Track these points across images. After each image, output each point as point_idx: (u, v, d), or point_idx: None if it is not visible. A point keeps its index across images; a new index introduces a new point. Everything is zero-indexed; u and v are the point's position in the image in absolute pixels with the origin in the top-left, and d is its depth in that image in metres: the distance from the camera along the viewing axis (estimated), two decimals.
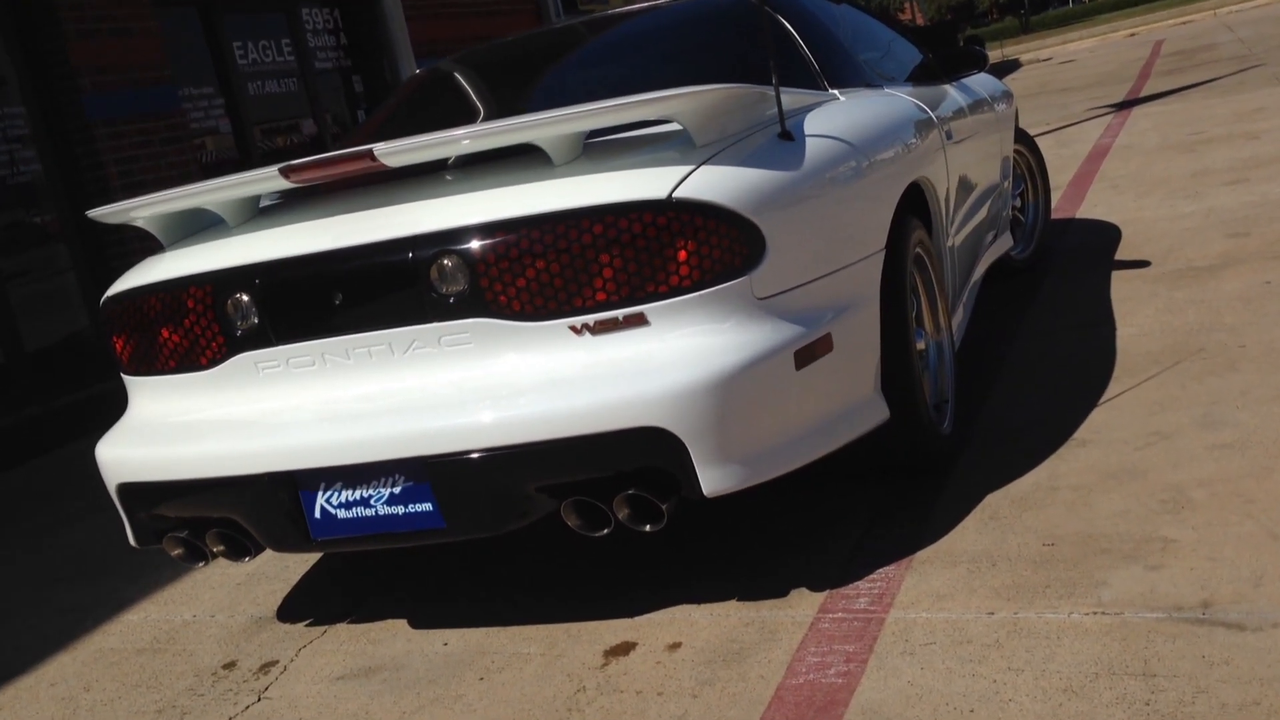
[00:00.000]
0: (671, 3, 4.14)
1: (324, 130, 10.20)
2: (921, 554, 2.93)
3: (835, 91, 3.57)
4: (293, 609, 3.41)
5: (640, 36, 4.04)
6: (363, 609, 3.30)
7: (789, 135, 2.96)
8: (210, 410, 3.00)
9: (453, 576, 3.38)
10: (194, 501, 2.94)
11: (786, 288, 2.77)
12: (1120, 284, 5.10)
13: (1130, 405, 3.63)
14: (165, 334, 3.00)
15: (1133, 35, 26.93)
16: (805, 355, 2.77)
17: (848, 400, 2.95)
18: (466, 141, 2.76)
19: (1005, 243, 5.26)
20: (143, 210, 3.07)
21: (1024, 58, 26.28)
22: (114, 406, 7.20)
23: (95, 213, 3.13)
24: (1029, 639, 2.44)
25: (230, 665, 3.14)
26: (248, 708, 2.87)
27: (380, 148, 2.74)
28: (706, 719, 2.41)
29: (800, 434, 2.79)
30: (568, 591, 3.13)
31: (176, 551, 3.07)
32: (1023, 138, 5.78)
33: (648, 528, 2.69)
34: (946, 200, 3.84)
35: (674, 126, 2.95)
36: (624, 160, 2.79)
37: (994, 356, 4.40)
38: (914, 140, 3.54)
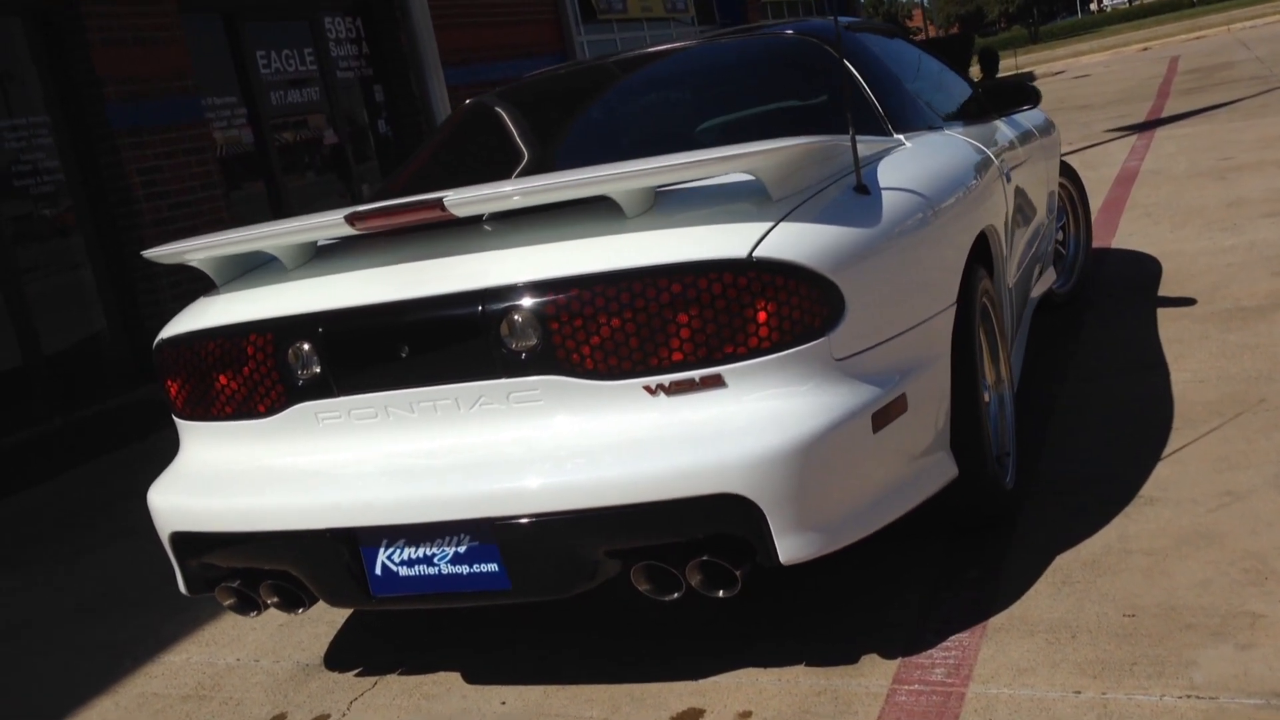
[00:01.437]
0: (723, 38, 4.06)
1: (344, 140, 10.13)
2: (995, 620, 2.85)
3: (901, 136, 3.49)
4: (341, 656, 3.34)
5: (694, 74, 3.96)
6: (414, 659, 3.22)
7: (864, 189, 2.89)
8: (268, 459, 2.92)
9: (508, 627, 3.30)
10: (250, 553, 2.87)
11: (864, 347, 2.70)
12: (1167, 322, 5.02)
13: (1195, 460, 3.55)
14: (223, 380, 2.93)
15: (1146, 49, 26.88)
16: (882, 417, 2.70)
17: (920, 460, 2.88)
18: (541, 194, 2.68)
19: (1050, 277, 5.18)
20: (199, 253, 3.00)
21: (1038, 70, 26.22)
22: (136, 420, 7.13)
23: (151, 253, 3.06)
24: None
25: (280, 718, 3.06)
26: None
27: (451, 198, 2.67)
28: None
29: (876, 497, 2.72)
30: (627, 647, 3.05)
31: (229, 601, 2.99)
32: (1065, 169, 5.71)
33: (720, 593, 2.62)
34: (1007, 243, 3.77)
35: (746, 176, 2.87)
36: (699, 214, 2.72)
37: (1045, 401, 4.33)
38: (981, 187, 3.46)
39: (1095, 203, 8.20)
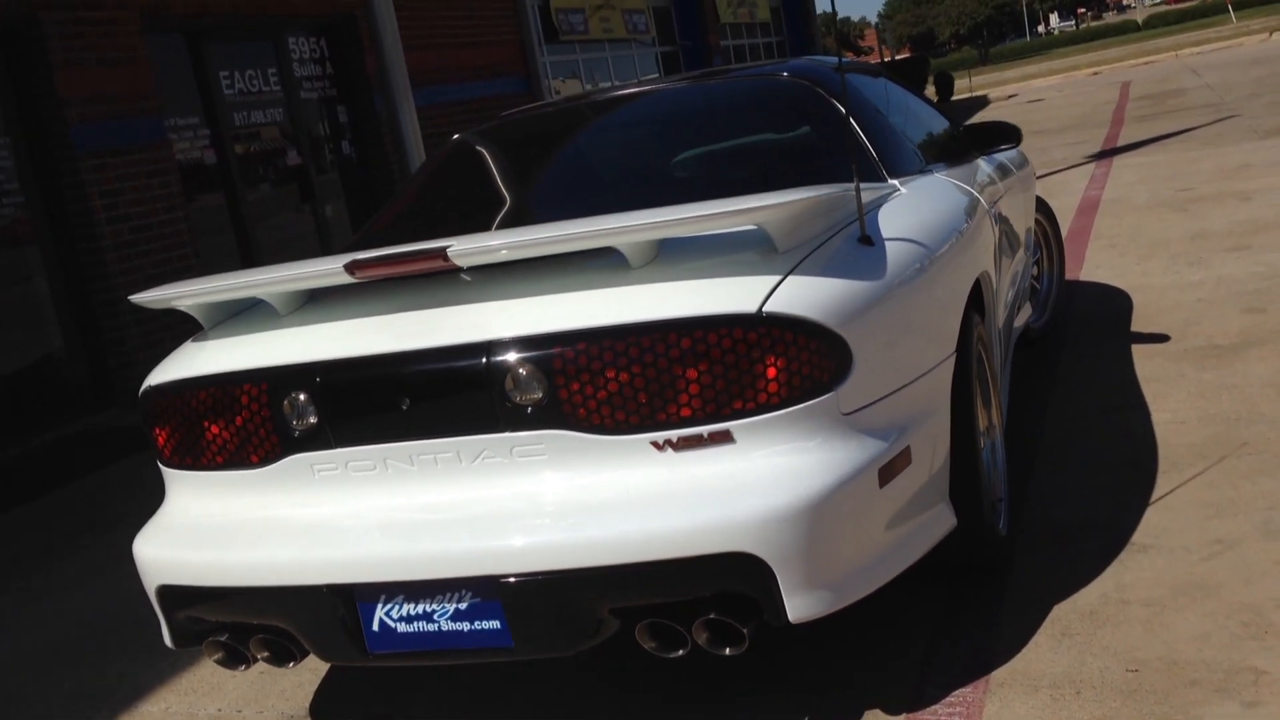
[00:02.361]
0: (717, 78, 4.05)
1: (308, 161, 10.03)
2: (997, 674, 2.84)
3: (895, 182, 3.49)
4: (327, 707, 3.27)
5: (685, 116, 3.94)
6: (404, 711, 3.16)
7: (869, 240, 2.88)
8: (261, 511, 2.86)
9: (503, 677, 3.25)
10: (241, 607, 2.80)
11: (870, 401, 2.68)
12: (1142, 360, 5.06)
13: (1184, 505, 3.57)
14: (214, 430, 2.86)
15: (1096, 74, 27.24)
16: (888, 471, 2.69)
17: (922, 512, 2.87)
18: (548, 245, 2.64)
19: (1027, 311, 5.22)
20: (188, 299, 2.93)
21: (991, 93, 26.50)
22: (97, 448, 6.99)
23: (140, 298, 2.99)
24: None
25: None
26: None
27: (455, 249, 2.63)
28: None
29: (882, 552, 2.70)
30: (625, 702, 3.01)
31: (216, 655, 2.92)
32: (1040, 206, 5.75)
33: (727, 651, 2.59)
34: (997, 283, 3.78)
35: (750, 225, 2.85)
36: (705, 266, 2.69)
37: (1029, 444, 4.34)
38: (974, 232, 3.47)
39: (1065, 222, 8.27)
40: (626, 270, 2.72)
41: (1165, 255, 6.98)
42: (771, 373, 2.54)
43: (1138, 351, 5.21)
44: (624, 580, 2.50)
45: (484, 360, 2.61)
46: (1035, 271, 5.78)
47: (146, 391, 3.00)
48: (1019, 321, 4.97)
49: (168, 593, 2.89)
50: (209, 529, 2.89)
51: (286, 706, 3.32)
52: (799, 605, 2.51)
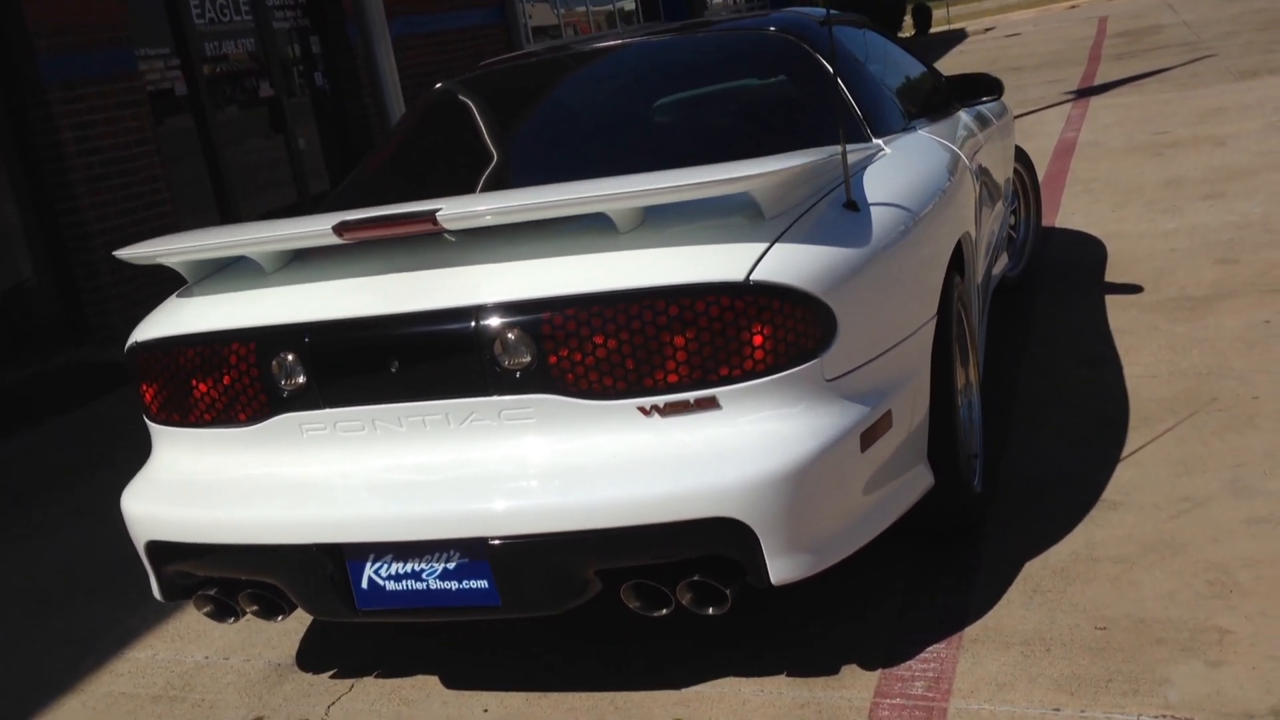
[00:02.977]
0: (701, 31, 4.03)
1: (280, 93, 9.92)
2: (970, 630, 2.92)
3: (880, 142, 3.51)
4: (314, 656, 3.33)
5: (669, 69, 3.92)
6: (390, 661, 3.22)
7: (854, 205, 2.90)
8: (249, 469, 2.89)
9: (488, 629, 3.31)
10: (230, 563, 2.84)
11: (853, 366, 2.73)
12: (1116, 311, 5.12)
13: (1154, 461, 3.65)
14: (202, 388, 2.88)
15: (1073, 8, 27.09)
16: (870, 436, 2.74)
17: (902, 473, 2.92)
18: (537, 210, 2.65)
19: (1003, 261, 5.26)
20: (174, 256, 2.93)
21: (969, 26, 26.35)
22: (77, 384, 6.97)
23: (124, 253, 2.99)
24: None
25: None
26: None
27: (444, 213, 2.64)
28: None
29: (863, 514, 2.76)
30: (611, 653, 3.08)
31: (205, 609, 2.97)
32: (1019, 155, 5.77)
33: (710, 610, 2.65)
34: (977, 241, 3.82)
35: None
36: (693, 232, 2.71)
37: (1006, 397, 4.40)
38: (956, 192, 3.49)
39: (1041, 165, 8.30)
40: (614, 234, 2.74)
41: (1140, 202, 7.03)
42: (758, 340, 2.57)
43: (1111, 302, 5.27)
44: (609, 543, 2.55)
45: (473, 324, 2.64)
46: (1013, 220, 5.82)
47: (133, 347, 3.01)
48: (996, 270, 5.02)
49: (156, 548, 2.93)
50: (198, 485, 2.92)
51: (273, 655, 3.38)
52: (781, 568, 2.57)
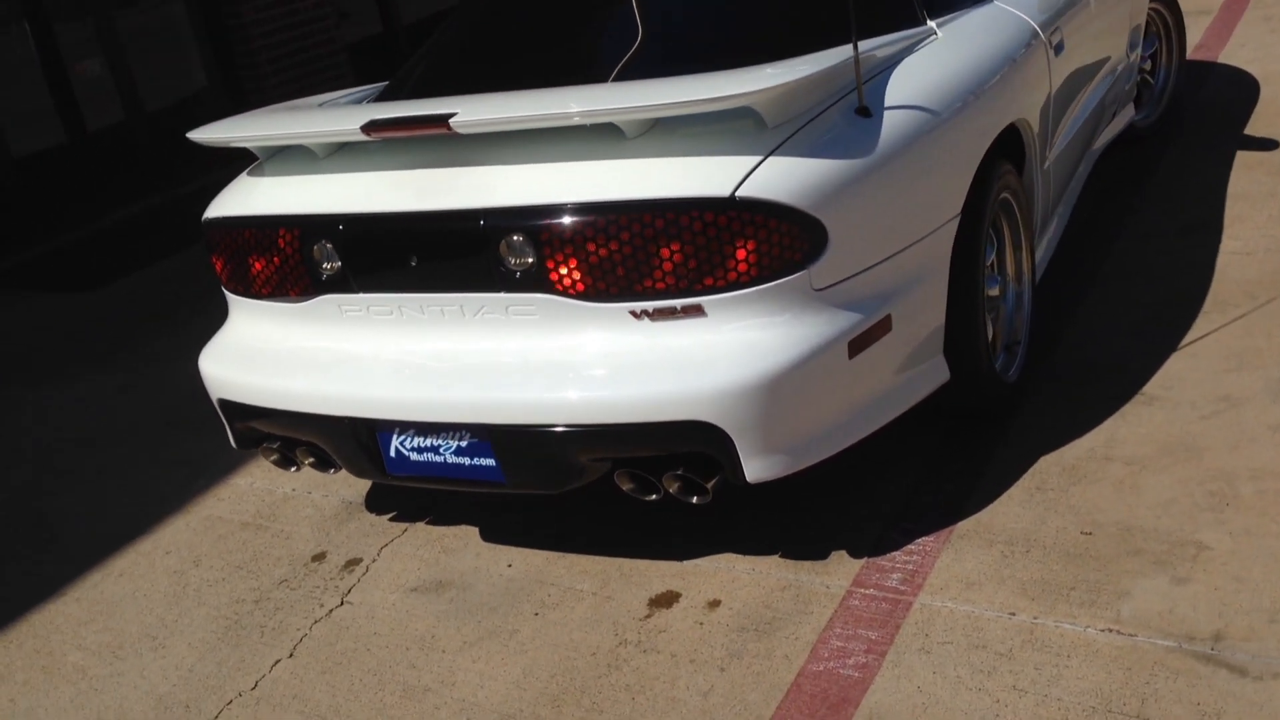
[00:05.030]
0: None
1: None
2: (963, 525, 3.04)
3: (934, 24, 3.44)
4: (381, 497, 3.69)
5: None
6: (443, 508, 3.55)
7: (866, 110, 2.92)
8: (300, 340, 3.18)
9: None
10: (285, 425, 3.17)
11: (846, 276, 2.81)
12: (1241, 171, 4.91)
13: (1209, 353, 3.60)
14: (259, 265, 3.17)
15: None
16: (860, 342, 2.83)
17: (904, 372, 3.01)
18: (541, 120, 2.77)
19: (1127, 115, 5.07)
20: (237, 141, 3.18)
21: None
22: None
23: (195, 135, 3.26)
24: (1040, 653, 2.58)
25: (320, 557, 3.44)
26: (331, 611, 3.18)
27: (457, 119, 2.79)
28: (729, 699, 2.63)
29: (850, 415, 2.88)
30: (629, 519, 3.32)
31: (272, 458, 3.33)
32: None
33: (695, 499, 2.85)
34: (1045, 123, 3.73)
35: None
36: (695, 141, 2.79)
37: (1090, 266, 4.34)
38: (1014, 76, 3.42)
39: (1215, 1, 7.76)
40: (622, 140, 2.85)
41: None
42: (741, 254, 2.68)
43: (1241, 160, 5.04)
44: (598, 437, 2.76)
45: (481, 224, 2.82)
46: (1148, 66, 5.55)
47: (206, 222, 3.30)
48: (1115, 128, 4.86)
49: (227, 405, 3.29)
50: (259, 352, 3.24)
51: (348, 493, 3.76)
52: (756, 468, 2.74)
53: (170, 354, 5.18)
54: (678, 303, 2.74)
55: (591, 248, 2.74)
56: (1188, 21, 7.35)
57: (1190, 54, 6.71)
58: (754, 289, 2.70)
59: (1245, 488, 2.98)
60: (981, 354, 3.23)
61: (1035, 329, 3.88)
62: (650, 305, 2.75)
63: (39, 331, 5.80)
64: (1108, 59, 4.55)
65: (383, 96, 3.70)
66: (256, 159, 3.43)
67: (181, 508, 3.88)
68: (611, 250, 2.72)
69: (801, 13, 3.33)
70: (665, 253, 2.70)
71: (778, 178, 2.69)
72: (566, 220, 2.75)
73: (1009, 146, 3.54)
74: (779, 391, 2.69)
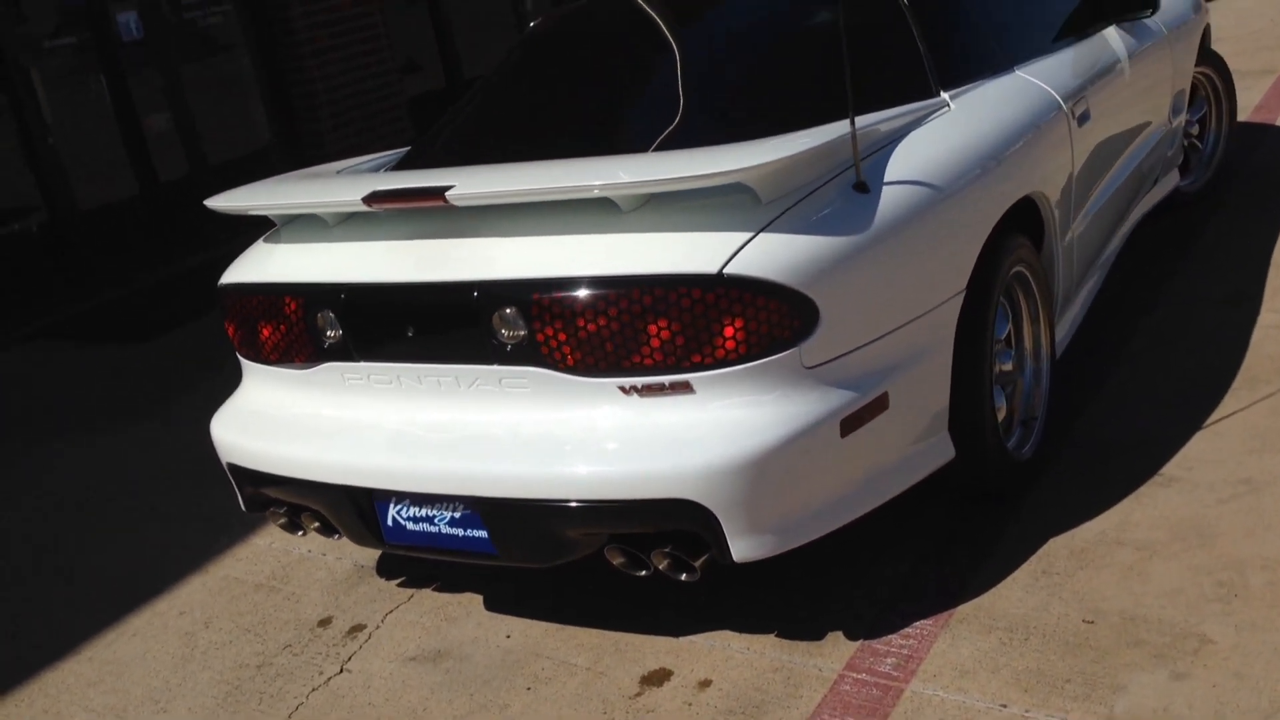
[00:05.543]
0: None
1: None
2: (963, 609, 2.98)
3: (947, 95, 3.40)
4: (390, 562, 3.70)
5: (735, 11, 3.81)
6: (449, 575, 3.56)
7: (864, 186, 2.90)
8: (305, 407, 3.22)
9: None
10: (289, 491, 3.20)
11: (840, 353, 2.78)
12: None
13: (1233, 433, 3.51)
14: (267, 331, 3.21)
15: None
16: (854, 421, 2.79)
17: (904, 450, 2.97)
18: (536, 195, 2.78)
19: (1171, 181, 4.99)
20: (252, 209, 3.24)
21: None
22: None
23: (213, 203, 3.32)
24: None
25: (326, 622, 3.46)
26: (329, 680, 3.19)
27: (453, 193, 2.81)
28: None
29: (844, 495, 2.84)
30: (629, 592, 3.30)
31: (280, 522, 3.36)
32: (1209, 58, 5.37)
33: (684, 577, 2.83)
34: (1066, 195, 3.67)
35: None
36: (688, 216, 2.79)
37: (1122, 335, 4.25)
38: (1028, 151, 3.38)
39: (1276, 58, 7.63)
40: (618, 214, 2.85)
41: None
42: (729, 332, 2.66)
43: None
44: (586, 512, 2.75)
45: (475, 296, 2.84)
46: (1196, 130, 5.46)
47: (220, 288, 3.36)
48: (1155, 196, 4.78)
49: (236, 470, 3.33)
50: (266, 418, 3.28)
51: (361, 556, 3.78)
52: (743, 548, 2.71)
53: (207, 408, 5.26)
54: (666, 379, 2.73)
55: (581, 322, 2.74)
56: (1249, 82, 7.23)
57: (1248, 115, 6.59)
58: (742, 367, 2.68)
59: (1256, 578, 2.88)
60: (988, 432, 3.17)
61: (1059, 401, 3.81)
62: (639, 381, 2.75)
63: (81, 383, 5.94)
64: (1145, 125, 4.47)
65: (402, 163, 3.75)
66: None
67: (200, 567, 3.93)
68: (601, 325, 2.72)
69: (813, 85, 3.32)
70: (653, 329, 2.69)
71: (767, 255, 2.67)
72: (557, 294, 2.75)
73: (1025, 218, 3.49)
74: (766, 470, 2.66)
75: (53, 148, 7.22)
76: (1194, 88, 5.36)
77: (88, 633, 3.65)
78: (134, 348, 6.33)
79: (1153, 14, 4.39)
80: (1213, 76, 5.42)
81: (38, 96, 7.14)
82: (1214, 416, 3.62)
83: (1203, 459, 3.41)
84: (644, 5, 3.92)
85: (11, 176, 7.24)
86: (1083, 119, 3.78)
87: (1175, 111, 4.90)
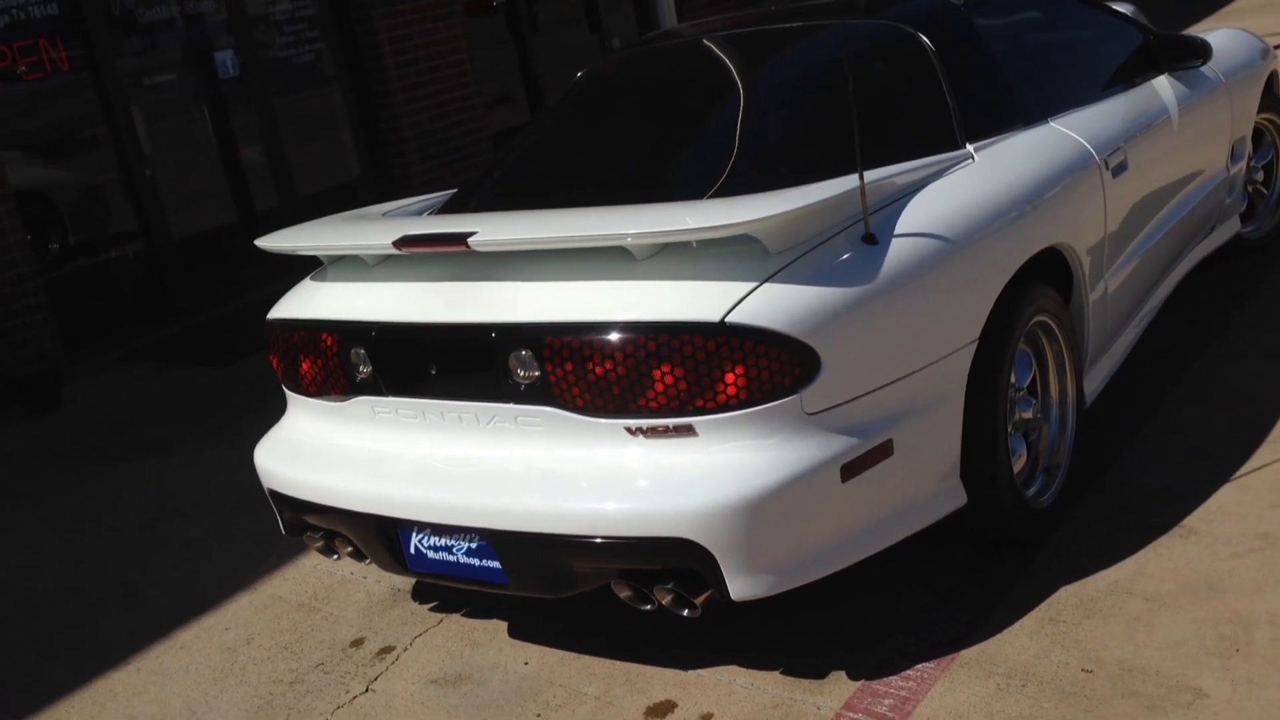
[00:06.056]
0: (811, 29, 3.92)
1: None
2: (966, 653, 3.02)
3: (972, 147, 3.46)
4: (425, 587, 3.84)
5: (766, 60, 3.90)
6: (479, 601, 3.68)
7: (873, 238, 2.97)
8: (339, 438, 3.38)
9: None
10: (323, 517, 3.36)
11: (843, 400, 2.85)
12: None
13: (1261, 485, 3.49)
14: (306, 365, 3.38)
15: None
16: (856, 466, 2.86)
17: (910, 496, 3.02)
18: (554, 244, 2.91)
19: (1230, 229, 4.95)
20: (301, 250, 3.42)
21: None
22: None
23: (262, 242, 3.51)
24: None
25: (358, 643, 3.61)
26: (354, 699, 3.34)
27: (475, 239, 2.96)
28: None
29: (845, 538, 2.91)
30: (650, 623, 3.38)
31: (316, 546, 3.52)
32: (1276, 103, 5.32)
33: (685, 613, 2.92)
34: (1099, 245, 3.69)
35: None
36: (697, 266, 2.89)
37: (1165, 385, 4.24)
38: (1052, 203, 3.41)
39: None
40: (632, 262, 2.96)
41: None
42: (730, 378, 2.75)
43: None
44: (591, 548, 2.86)
45: (493, 337, 2.97)
46: (1262, 176, 5.40)
47: (268, 323, 3.54)
48: (1211, 244, 4.76)
49: (275, 496, 3.50)
50: (305, 448, 3.45)
51: (399, 581, 3.92)
52: (741, 587, 2.79)
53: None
54: (670, 421, 2.82)
55: (591, 365, 2.85)
56: None
57: None
58: (743, 411, 2.77)
59: (1260, 634, 2.88)
60: (1003, 479, 3.20)
61: (1087, 449, 3.81)
62: (645, 423, 2.85)
63: (161, 403, 6.20)
64: (1196, 174, 4.46)
65: (446, 206, 3.91)
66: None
67: (250, 585, 4.11)
68: (608, 369, 2.83)
69: (843, 137, 3.38)
70: (658, 374, 2.79)
71: (770, 304, 2.76)
72: (569, 338, 2.87)
73: (1052, 269, 3.51)
74: (763, 513, 2.74)
75: (150, 179, 7.56)
76: (1259, 133, 5.32)
77: (140, 644, 3.84)
78: (214, 371, 6.60)
79: (1204, 63, 4.39)
80: (1277, 121, 5.37)
81: (137, 131, 7.48)
82: (1243, 469, 3.61)
83: (1226, 512, 3.40)
84: (686, 55, 4.04)
85: (112, 207, 7.59)
86: (1118, 170, 3.80)
87: (1235, 159, 4.87)
